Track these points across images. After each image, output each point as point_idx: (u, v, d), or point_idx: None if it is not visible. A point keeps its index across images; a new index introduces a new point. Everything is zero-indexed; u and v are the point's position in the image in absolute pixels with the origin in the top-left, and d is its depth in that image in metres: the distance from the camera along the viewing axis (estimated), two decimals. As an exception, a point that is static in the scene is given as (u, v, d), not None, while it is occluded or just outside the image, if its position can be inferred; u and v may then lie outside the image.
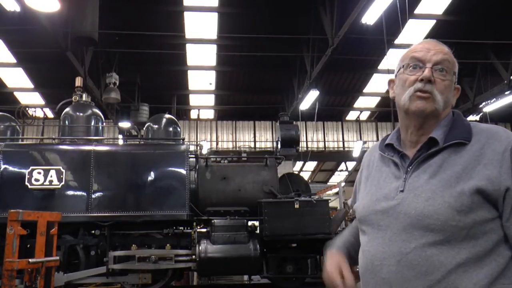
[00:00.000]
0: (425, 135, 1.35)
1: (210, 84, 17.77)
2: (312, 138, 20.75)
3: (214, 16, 13.21)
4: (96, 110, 8.12)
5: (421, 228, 1.22)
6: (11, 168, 6.82)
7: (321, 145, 21.13)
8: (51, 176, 6.78)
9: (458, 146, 1.29)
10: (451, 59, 1.37)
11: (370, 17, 9.48)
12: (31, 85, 17.23)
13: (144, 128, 8.46)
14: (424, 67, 1.34)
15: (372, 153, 1.54)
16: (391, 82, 1.48)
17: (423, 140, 1.35)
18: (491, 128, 1.31)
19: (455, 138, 1.29)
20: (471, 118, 20.38)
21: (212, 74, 17.04)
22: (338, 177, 24.85)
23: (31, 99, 18.15)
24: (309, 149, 19.52)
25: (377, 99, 19.67)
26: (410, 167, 1.33)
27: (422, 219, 1.22)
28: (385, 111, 19.37)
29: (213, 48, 14.96)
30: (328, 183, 23.74)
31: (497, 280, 1.17)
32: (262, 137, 20.86)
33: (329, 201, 7.47)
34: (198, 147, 9.39)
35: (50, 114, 18.99)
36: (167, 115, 8.58)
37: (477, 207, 1.19)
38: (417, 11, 13.01)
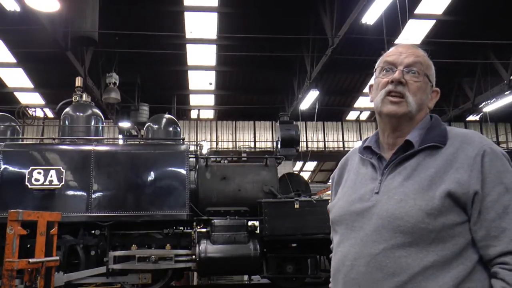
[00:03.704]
0: (401, 138, 1.36)
1: (210, 84, 17.77)
2: (312, 138, 20.75)
3: (214, 16, 13.22)
4: (96, 110, 8.12)
5: (391, 230, 1.23)
6: (11, 168, 6.82)
7: (321, 145, 21.13)
8: (51, 176, 6.78)
9: (433, 149, 1.30)
10: (425, 62, 1.39)
11: (370, 17, 9.48)
12: (31, 85, 17.23)
13: (144, 128, 8.46)
14: (396, 70, 1.36)
15: (351, 156, 1.56)
16: (371, 87, 1.50)
17: (399, 143, 1.36)
18: (466, 133, 1.32)
19: (430, 141, 1.31)
20: (471, 118, 20.42)
21: (212, 74, 17.04)
22: (338, 177, 24.80)
23: (31, 99, 18.14)
24: (309, 149, 19.51)
25: (377, 99, 19.65)
26: (386, 169, 1.34)
27: (393, 221, 1.23)
28: (385, 111, 19.35)
29: (213, 48, 14.96)
30: (328, 183, 23.74)
31: (463, 284, 1.17)
32: (262, 137, 20.86)
33: (329, 201, 7.46)
34: (198, 147, 9.38)
35: (50, 114, 19.00)
36: (167, 115, 8.58)
37: (446, 210, 1.20)
38: (417, 11, 13.02)
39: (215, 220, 6.98)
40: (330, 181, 1.84)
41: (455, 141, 1.30)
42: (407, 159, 1.32)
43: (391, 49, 1.44)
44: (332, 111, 19.84)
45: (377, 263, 1.22)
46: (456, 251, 1.20)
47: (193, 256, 6.83)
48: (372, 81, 1.51)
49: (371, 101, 1.46)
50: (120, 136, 14.62)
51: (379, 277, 1.21)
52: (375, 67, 1.45)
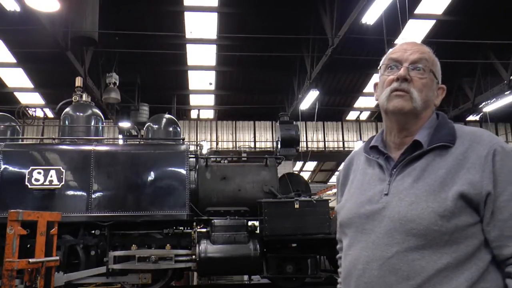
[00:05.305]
0: (409, 137, 1.34)
1: (210, 84, 17.78)
2: (312, 138, 20.74)
3: (214, 16, 13.22)
4: (96, 110, 8.12)
5: (403, 232, 1.21)
6: (11, 168, 6.82)
7: (321, 145, 21.12)
8: (51, 176, 6.78)
9: (443, 149, 1.28)
10: (430, 58, 1.37)
11: (370, 17, 9.48)
12: (31, 85, 17.23)
13: (144, 128, 8.46)
14: (401, 67, 1.34)
15: (357, 155, 1.53)
16: (375, 85, 1.47)
17: (407, 142, 1.34)
18: (475, 131, 1.31)
19: (439, 141, 1.29)
20: (471, 118, 20.41)
21: (212, 74, 17.04)
22: (338, 177, 24.79)
23: (31, 99, 18.14)
24: (309, 149, 19.51)
25: (377, 99, 19.66)
26: (395, 170, 1.32)
27: (405, 223, 1.21)
28: (385, 111, 19.33)
29: (213, 48, 14.97)
30: (328, 183, 23.74)
31: (477, 284, 1.16)
32: (262, 137, 20.86)
33: (329, 201, 7.46)
34: (198, 147, 9.39)
35: (50, 114, 19.00)
36: (167, 115, 8.58)
37: (459, 212, 1.19)
38: (417, 11, 13.02)
39: (215, 220, 6.98)
40: (335, 181, 1.81)
41: (464, 140, 1.28)
42: (416, 159, 1.30)
43: (395, 47, 1.41)
44: (332, 111, 19.84)
45: (390, 266, 1.21)
46: (469, 252, 1.19)
47: (193, 256, 6.83)
48: (377, 79, 1.48)
49: (376, 100, 1.43)
50: (120, 136, 14.61)
51: (393, 280, 1.20)
52: (380, 65, 1.42)
